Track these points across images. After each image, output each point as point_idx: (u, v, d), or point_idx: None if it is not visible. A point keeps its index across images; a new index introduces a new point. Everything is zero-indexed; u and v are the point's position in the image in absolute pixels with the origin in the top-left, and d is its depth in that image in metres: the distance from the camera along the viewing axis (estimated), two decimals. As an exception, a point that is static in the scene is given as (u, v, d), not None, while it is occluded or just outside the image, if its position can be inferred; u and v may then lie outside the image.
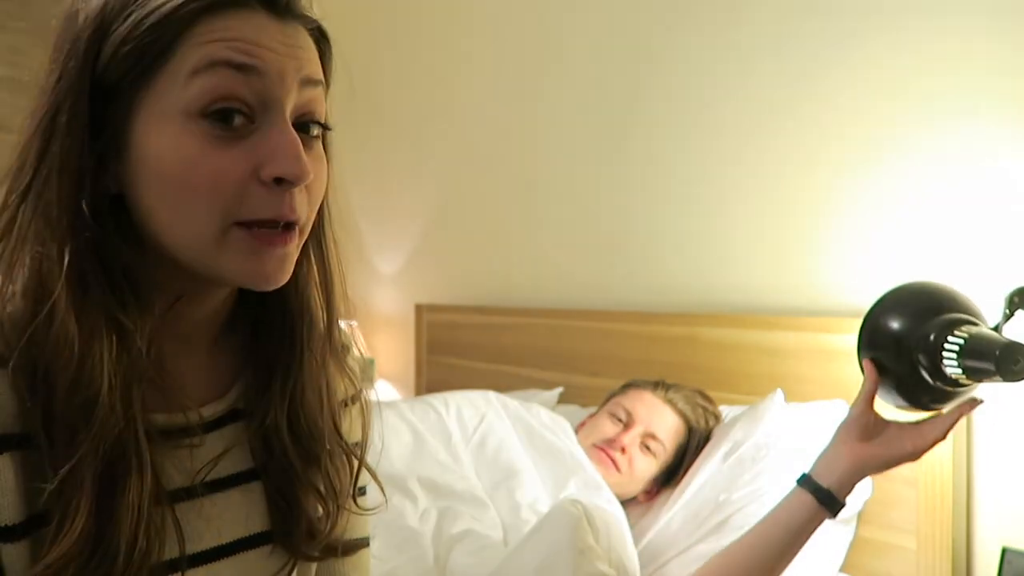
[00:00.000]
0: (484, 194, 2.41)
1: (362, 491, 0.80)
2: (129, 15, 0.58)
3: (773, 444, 1.38)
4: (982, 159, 1.32)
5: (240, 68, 0.58)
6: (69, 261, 0.58)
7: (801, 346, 1.51)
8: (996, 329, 0.98)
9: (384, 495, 0.79)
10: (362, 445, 0.77)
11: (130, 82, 0.58)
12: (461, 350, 2.38)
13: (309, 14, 0.64)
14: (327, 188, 0.68)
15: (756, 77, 1.66)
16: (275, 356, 0.69)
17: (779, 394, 1.45)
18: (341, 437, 0.72)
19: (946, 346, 0.97)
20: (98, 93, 0.59)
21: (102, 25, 0.58)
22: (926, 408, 1.05)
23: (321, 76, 0.64)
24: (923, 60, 1.38)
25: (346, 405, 0.76)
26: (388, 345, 2.79)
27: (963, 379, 0.97)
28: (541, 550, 1.17)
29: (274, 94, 0.60)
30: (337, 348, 0.73)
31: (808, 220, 1.57)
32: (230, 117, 0.58)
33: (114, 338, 0.58)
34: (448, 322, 2.45)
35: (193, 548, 0.64)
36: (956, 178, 1.35)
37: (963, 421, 1.28)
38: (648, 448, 1.48)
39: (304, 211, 0.62)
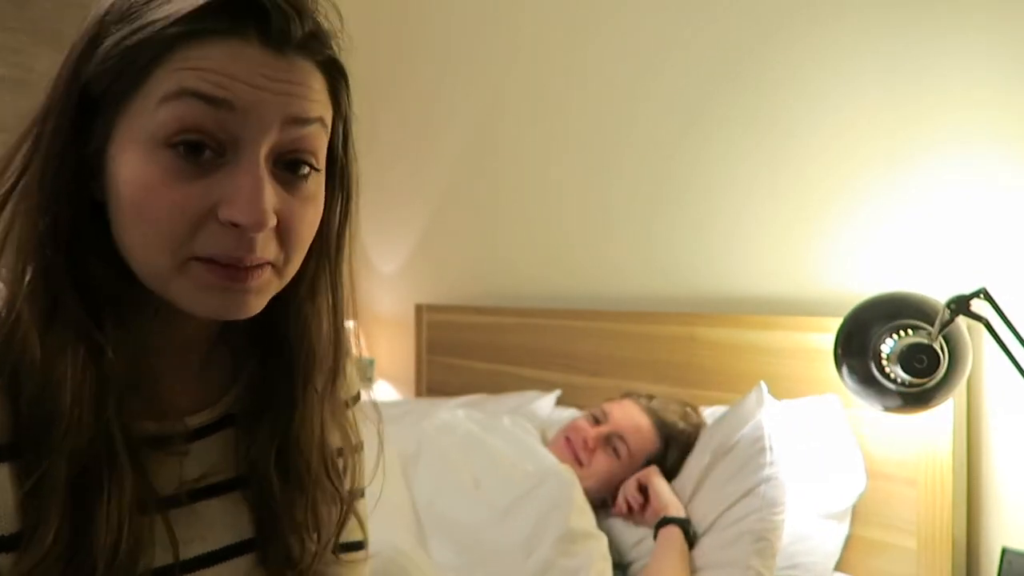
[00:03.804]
0: (483, 194, 2.41)
1: (359, 545, 0.79)
2: (118, 30, 0.56)
3: (758, 440, 1.38)
4: (976, 179, 1.32)
5: (210, 101, 0.55)
6: (31, 279, 0.57)
7: (801, 347, 1.51)
8: (931, 335, 1.07)
9: (366, 535, 0.77)
10: (353, 492, 0.75)
11: (110, 99, 0.57)
12: (461, 350, 2.38)
13: (316, 45, 0.59)
14: (344, 224, 0.66)
15: (765, 100, 1.66)
16: (272, 380, 0.68)
17: (762, 390, 1.43)
18: (331, 478, 0.70)
19: (882, 348, 1.11)
20: (86, 104, 0.57)
21: (97, 35, 0.57)
22: (896, 408, 1.15)
23: (319, 113, 0.59)
24: (928, 95, 1.38)
25: (340, 455, 0.74)
26: (388, 345, 2.79)
27: (899, 378, 1.08)
28: (541, 504, 1.27)
29: (247, 132, 0.56)
30: (339, 393, 0.71)
31: (811, 223, 1.57)
32: (199, 150, 0.55)
33: (82, 353, 0.57)
34: (448, 322, 2.45)
35: (183, 555, 0.64)
36: (953, 193, 1.35)
37: (964, 420, 1.29)
38: (614, 449, 1.49)
39: (272, 252, 0.59)
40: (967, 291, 1.09)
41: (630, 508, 1.43)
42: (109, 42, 0.56)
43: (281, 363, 0.68)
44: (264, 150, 0.57)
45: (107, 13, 0.57)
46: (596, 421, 1.54)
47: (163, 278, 0.58)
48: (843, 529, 1.39)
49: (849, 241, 1.50)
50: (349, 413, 0.76)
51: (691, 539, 1.32)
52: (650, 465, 1.47)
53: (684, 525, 1.33)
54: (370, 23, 2.80)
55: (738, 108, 1.69)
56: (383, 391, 2.76)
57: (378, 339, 2.82)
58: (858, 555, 1.40)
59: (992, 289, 1.10)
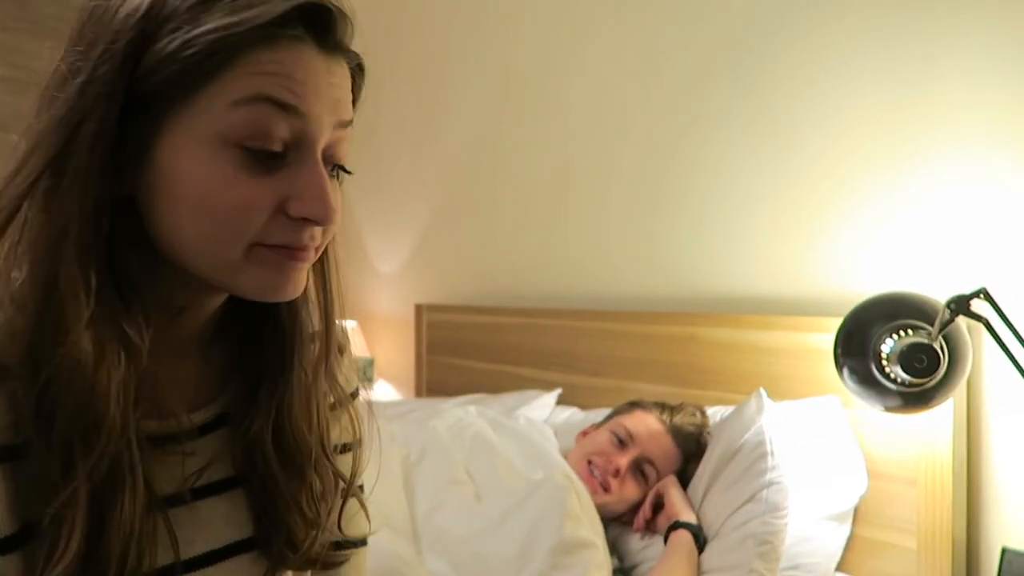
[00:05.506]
0: (484, 194, 2.41)
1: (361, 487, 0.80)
2: (177, 29, 0.55)
3: (760, 446, 1.38)
4: (976, 179, 1.32)
5: (283, 107, 0.57)
6: (85, 276, 0.56)
7: (801, 347, 1.51)
8: (931, 335, 1.06)
9: (368, 521, 0.78)
10: (354, 475, 0.75)
11: (164, 97, 0.56)
12: (461, 350, 2.38)
13: (352, 50, 0.63)
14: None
15: (765, 100, 1.66)
16: (264, 368, 0.69)
17: (762, 396, 1.44)
18: (328, 457, 0.71)
19: (882, 348, 1.11)
20: (127, 102, 0.56)
21: (144, 32, 0.56)
22: (896, 408, 1.15)
23: (352, 116, 0.63)
24: (928, 95, 1.38)
25: (334, 408, 0.75)
26: (388, 345, 2.79)
27: (899, 378, 1.09)
28: (533, 513, 1.26)
29: (310, 134, 0.59)
30: (333, 368, 0.72)
31: (811, 222, 1.57)
32: (266, 150, 0.58)
33: (122, 356, 0.57)
34: (448, 322, 2.45)
35: (185, 554, 0.64)
36: (953, 193, 1.35)
37: (964, 420, 1.30)
38: (643, 473, 1.47)
39: (319, 238, 0.63)
40: (967, 291, 1.09)
41: (646, 522, 1.43)
42: (173, 43, 0.55)
43: (273, 345, 0.69)
44: (320, 150, 0.60)
45: (151, 9, 0.56)
46: (620, 442, 1.48)
47: (230, 268, 0.59)
48: (844, 530, 1.39)
49: (849, 241, 1.50)
50: (351, 407, 0.77)
51: (701, 545, 1.32)
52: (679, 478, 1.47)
53: (695, 530, 1.33)
54: (369, 23, 2.80)
55: (738, 108, 1.69)
56: (383, 391, 2.77)
57: (378, 339, 2.82)
58: (858, 555, 1.40)
59: (992, 289, 1.10)
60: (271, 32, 0.56)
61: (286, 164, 0.59)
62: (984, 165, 1.32)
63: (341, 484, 0.73)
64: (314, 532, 0.70)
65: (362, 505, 0.78)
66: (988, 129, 1.31)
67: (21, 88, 3.09)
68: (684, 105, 1.81)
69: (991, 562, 1.28)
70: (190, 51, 0.55)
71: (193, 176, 0.57)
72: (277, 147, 0.58)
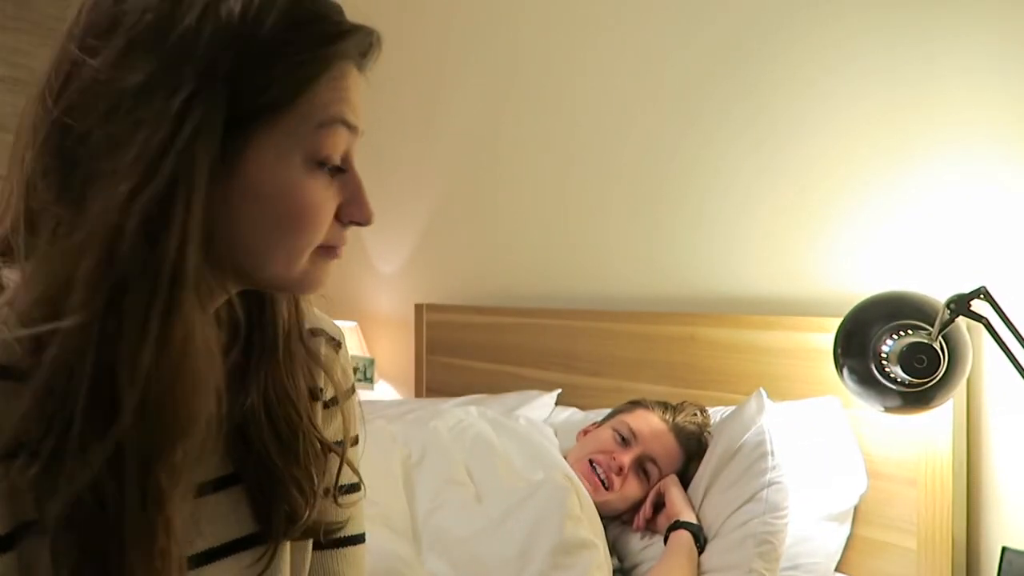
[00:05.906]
0: (484, 194, 2.41)
1: (354, 487, 0.81)
2: (275, 54, 0.58)
3: (760, 445, 1.38)
4: (976, 179, 1.33)
5: (350, 127, 0.63)
6: (208, 288, 0.60)
7: (801, 347, 1.51)
8: (931, 335, 1.06)
9: (363, 485, 0.81)
10: (345, 441, 0.78)
11: (253, 114, 0.58)
12: (461, 350, 2.38)
13: None
14: None
15: (765, 100, 1.66)
16: (248, 354, 0.70)
17: (762, 396, 1.44)
18: (316, 428, 0.74)
19: (882, 348, 1.11)
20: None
21: (244, 55, 0.57)
22: (896, 408, 1.16)
23: None
24: (928, 95, 1.39)
25: (327, 406, 0.77)
26: (388, 345, 2.79)
27: (899, 378, 1.09)
28: (533, 513, 1.26)
29: (354, 147, 0.66)
30: (309, 343, 0.75)
31: (811, 222, 1.57)
32: (334, 164, 0.63)
33: (217, 357, 0.62)
34: (448, 322, 2.45)
35: (187, 552, 0.64)
36: (953, 193, 1.35)
37: (964, 420, 1.30)
38: (645, 471, 1.47)
39: None
40: (967, 291, 1.09)
41: (646, 522, 1.43)
42: (275, 69, 0.58)
43: (261, 334, 0.71)
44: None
45: (247, 35, 0.57)
46: (623, 440, 1.48)
47: (295, 270, 0.64)
48: (844, 530, 1.39)
49: (849, 241, 1.50)
50: (347, 404, 0.80)
51: (701, 545, 1.31)
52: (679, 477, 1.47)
53: (695, 530, 1.32)
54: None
55: (738, 108, 1.69)
56: (383, 391, 2.77)
57: (378, 339, 2.82)
58: (858, 555, 1.40)
59: (992, 289, 1.10)
60: (345, 58, 0.63)
61: (337, 172, 0.64)
62: (984, 165, 1.32)
63: (332, 454, 0.76)
64: (312, 501, 0.72)
65: (353, 469, 0.80)
66: (988, 129, 1.31)
67: (21, 88, 3.09)
68: (684, 105, 1.81)
69: (991, 562, 1.28)
70: (290, 77, 0.59)
71: (284, 192, 0.61)
72: (340, 162, 0.64)
